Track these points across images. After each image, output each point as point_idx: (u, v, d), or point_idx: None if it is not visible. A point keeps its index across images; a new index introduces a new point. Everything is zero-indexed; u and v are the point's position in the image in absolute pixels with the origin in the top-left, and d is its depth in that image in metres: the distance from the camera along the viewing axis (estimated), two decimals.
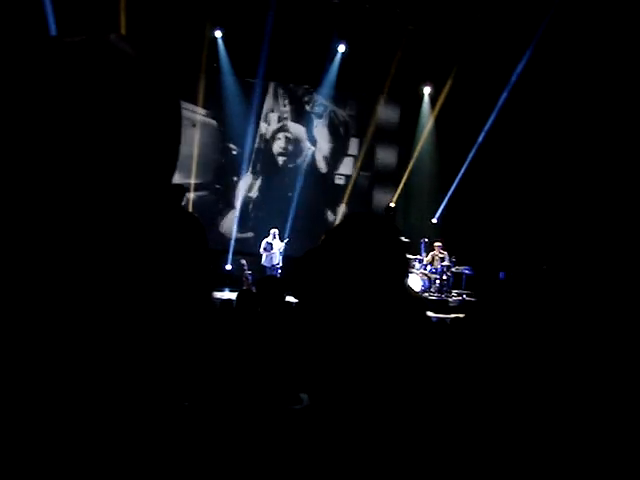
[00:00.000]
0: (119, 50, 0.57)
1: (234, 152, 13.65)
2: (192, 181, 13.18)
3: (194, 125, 13.09)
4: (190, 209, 12.53)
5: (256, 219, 13.53)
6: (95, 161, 0.54)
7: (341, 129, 14.22)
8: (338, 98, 13.79)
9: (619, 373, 1.01)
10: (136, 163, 0.56)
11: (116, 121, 0.55)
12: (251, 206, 13.79)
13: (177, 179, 12.25)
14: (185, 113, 12.71)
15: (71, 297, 0.55)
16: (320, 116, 13.92)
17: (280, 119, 13.95)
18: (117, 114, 0.55)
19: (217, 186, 13.67)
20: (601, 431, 0.97)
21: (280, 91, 13.79)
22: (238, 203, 13.58)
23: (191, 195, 13.14)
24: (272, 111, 13.86)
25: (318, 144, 14.05)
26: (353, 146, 14.26)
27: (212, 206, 13.53)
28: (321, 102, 13.77)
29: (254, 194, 13.86)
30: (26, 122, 0.52)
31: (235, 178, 13.63)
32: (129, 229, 0.57)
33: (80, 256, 0.55)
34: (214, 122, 13.58)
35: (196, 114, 13.23)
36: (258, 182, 13.86)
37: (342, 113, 14.14)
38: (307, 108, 13.87)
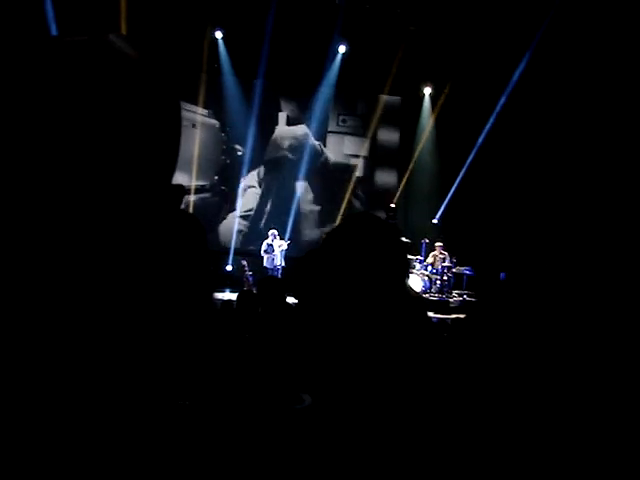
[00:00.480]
0: (119, 50, 0.57)
1: (239, 153, 13.58)
2: (195, 183, 13.09)
3: (194, 125, 13.02)
4: (192, 211, 12.48)
5: (261, 219, 13.48)
6: (94, 162, 0.54)
7: (341, 129, 14.22)
8: (338, 98, 13.77)
9: (621, 373, 1.01)
10: (136, 164, 0.56)
11: (115, 121, 0.55)
12: (256, 208, 13.75)
13: (181, 181, 12.22)
14: (187, 114, 12.67)
15: (71, 298, 0.54)
16: (322, 118, 13.90)
17: (281, 120, 13.92)
18: (116, 114, 0.55)
19: (222, 187, 13.57)
20: (602, 432, 0.97)
21: (282, 91, 13.75)
22: (240, 204, 13.53)
23: (192, 197, 13.06)
24: (274, 112, 13.82)
25: (320, 145, 14.04)
26: (353, 146, 14.26)
27: (217, 208, 13.44)
28: (322, 104, 13.74)
29: (258, 195, 13.81)
30: (26, 121, 0.52)
31: (242, 180, 13.57)
32: (129, 230, 0.57)
33: (81, 257, 0.54)
34: (217, 122, 13.48)
35: (198, 114, 13.15)
36: (262, 183, 13.82)
37: (342, 113, 14.13)
38: (310, 109, 13.84)
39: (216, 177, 13.57)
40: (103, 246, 0.55)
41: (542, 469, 0.99)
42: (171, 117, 0.61)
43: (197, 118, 13.15)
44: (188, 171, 12.83)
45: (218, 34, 12.75)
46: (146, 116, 0.57)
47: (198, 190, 13.30)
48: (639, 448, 0.95)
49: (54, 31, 10.20)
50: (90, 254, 0.55)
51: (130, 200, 0.56)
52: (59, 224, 0.53)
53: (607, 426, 0.98)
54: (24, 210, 0.52)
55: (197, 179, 13.19)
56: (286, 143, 13.90)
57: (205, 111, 13.32)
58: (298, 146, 13.87)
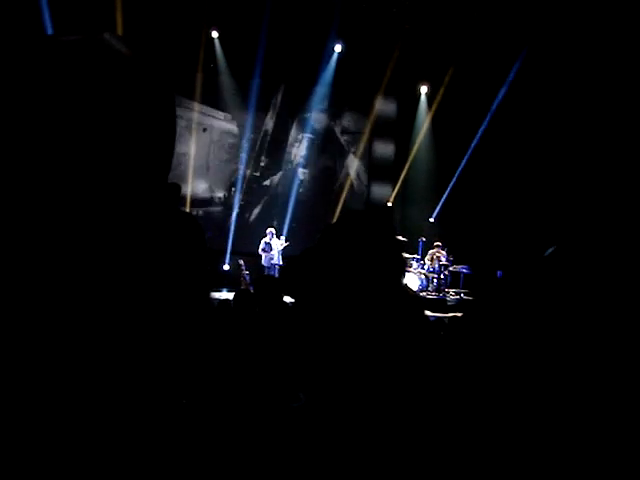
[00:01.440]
0: (113, 49, 0.57)
1: (262, 163, 13.26)
2: (205, 194, 12.72)
3: (205, 130, 12.70)
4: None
5: (261, 219, 13.38)
6: (89, 161, 0.54)
7: (337, 129, 14.21)
8: (334, 98, 13.71)
9: (620, 371, 1.01)
10: (131, 162, 0.56)
11: (110, 120, 0.55)
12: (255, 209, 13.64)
13: (203, 191, 11.73)
14: (199, 117, 12.34)
15: (68, 297, 0.54)
16: (319, 116, 13.87)
17: (276, 125, 13.84)
18: (111, 112, 0.55)
19: (247, 198, 13.15)
20: (602, 431, 0.97)
21: (279, 93, 13.68)
22: (237, 207, 13.39)
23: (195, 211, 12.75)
24: (271, 116, 13.74)
25: (317, 145, 14.01)
26: (350, 146, 14.24)
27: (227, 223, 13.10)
28: (318, 103, 13.69)
29: (257, 195, 13.74)
30: (20, 120, 0.52)
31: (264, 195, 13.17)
32: (125, 229, 0.57)
33: (76, 256, 0.55)
34: (235, 128, 13.04)
35: (212, 117, 12.79)
36: (261, 184, 13.76)
37: (339, 112, 14.11)
38: (305, 106, 13.79)
39: (233, 189, 13.19)
40: (98, 245, 0.56)
41: (540, 468, 1.00)
42: (166, 115, 0.61)
43: (211, 122, 12.73)
44: (194, 181, 12.41)
45: (214, 34, 12.71)
46: (140, 114, 0.57)
47: (206, 202, 12.77)
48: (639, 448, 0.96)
49: (50, 30, 10.17)
50: (85, 253, 0.55)
51: (125, 198, 0.56)
52: (53, 223, 0.53)
53: (607, 425, 0.98)
54: (18, 206, 0.52)
55: (210, 190, 12.75)
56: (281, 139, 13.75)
57: (222, 114, 12.93)
58: (295, 143, 13.75)
